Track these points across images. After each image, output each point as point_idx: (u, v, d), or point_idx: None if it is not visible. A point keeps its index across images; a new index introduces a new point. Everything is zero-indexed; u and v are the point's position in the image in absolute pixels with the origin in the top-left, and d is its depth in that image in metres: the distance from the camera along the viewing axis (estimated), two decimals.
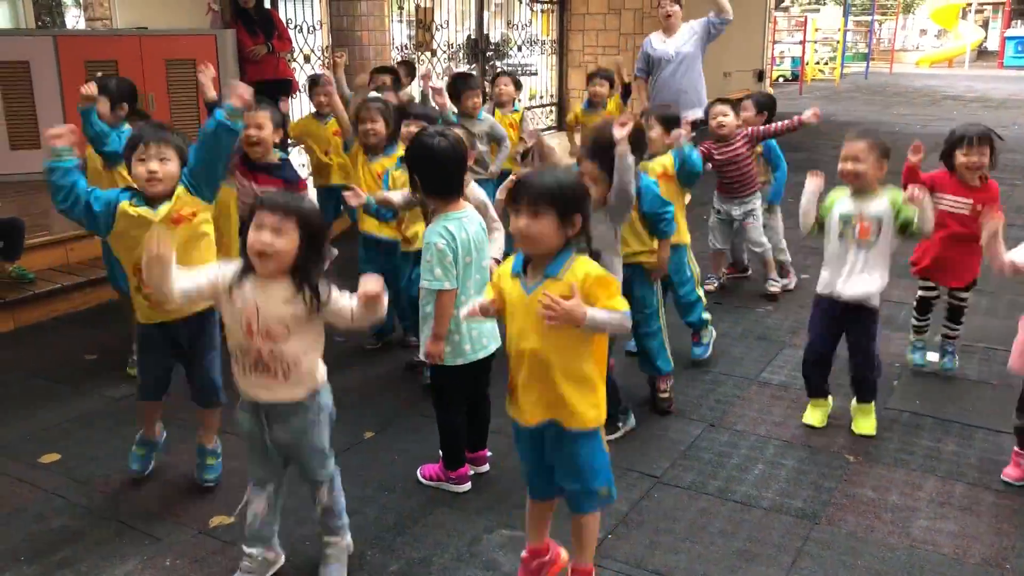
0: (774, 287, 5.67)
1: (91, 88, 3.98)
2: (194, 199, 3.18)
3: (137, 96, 4.50)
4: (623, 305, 2.40)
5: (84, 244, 5.78)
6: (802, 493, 3.40)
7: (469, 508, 3.30)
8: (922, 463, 3.62)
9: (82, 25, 10.52)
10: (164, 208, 3.12)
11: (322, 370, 2.74)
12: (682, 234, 4.41)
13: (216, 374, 3.43)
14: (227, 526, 3.18)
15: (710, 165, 5.40)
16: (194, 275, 2.63)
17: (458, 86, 5.72)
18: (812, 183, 3.80)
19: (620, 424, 3.83)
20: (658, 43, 7.22)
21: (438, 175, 3.21)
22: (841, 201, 3.77)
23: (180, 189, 3.16)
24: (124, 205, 3.12)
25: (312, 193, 5.95)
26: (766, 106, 5.73)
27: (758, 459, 3.66)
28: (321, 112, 5.83)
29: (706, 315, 4.68)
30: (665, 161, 4.38)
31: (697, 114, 7.35)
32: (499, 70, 7.01)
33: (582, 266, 2.41)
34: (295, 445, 2.74)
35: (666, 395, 4.08)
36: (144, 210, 3.12)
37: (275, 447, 2.74)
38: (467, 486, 3.41)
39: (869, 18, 28.68)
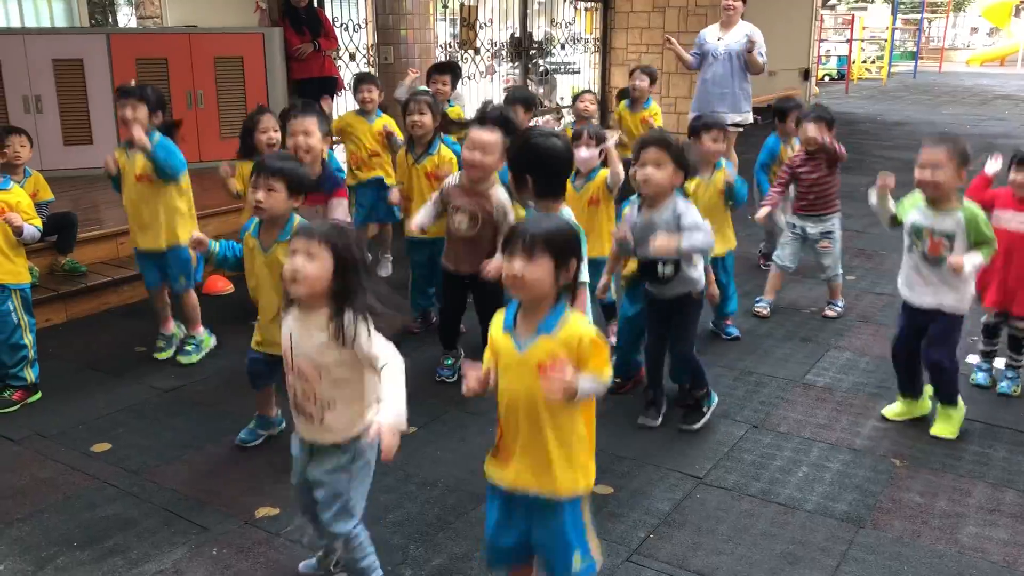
0: (833, 311, 5.38)
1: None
2: None
3: (166, 105, 4.58)
4: (608, 373, 2.30)
5: None
6: (847, 497, 3.37)
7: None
8: (971, 469, 3.56)
9: (133, 23, 10.72)
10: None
11: (364, 421, 2.57)
12: (728, 241, 4.75)
13: None
14: (272, 517, 3.23)
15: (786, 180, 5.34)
16: None
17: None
18: (877, 186, 3.83)
19: (705, 408, 3.91)
20: (711, 37, 7.24)
21: (552, 176, 3.21)
22: (915, 209, 3.73)
23: None
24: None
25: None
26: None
27: (802, 461, 3.63)
28: (365, 109, 5.85)
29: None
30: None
31: (747, 119, 7.33)
32: (583, 90, 6.98)
33: (576, 325, 2.30)
34: (319, 486, 2.62)
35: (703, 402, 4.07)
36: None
37: (307, 484, 2.67)
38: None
39: (918, 16, 28.21)
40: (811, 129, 5.14)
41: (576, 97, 6.41)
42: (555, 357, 2.24)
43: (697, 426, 3.87)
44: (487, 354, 2.44)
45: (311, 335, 2.51)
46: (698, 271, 3.69)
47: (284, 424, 3.77)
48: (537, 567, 2.54)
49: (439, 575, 2.91)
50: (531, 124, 5.70)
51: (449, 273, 4.26)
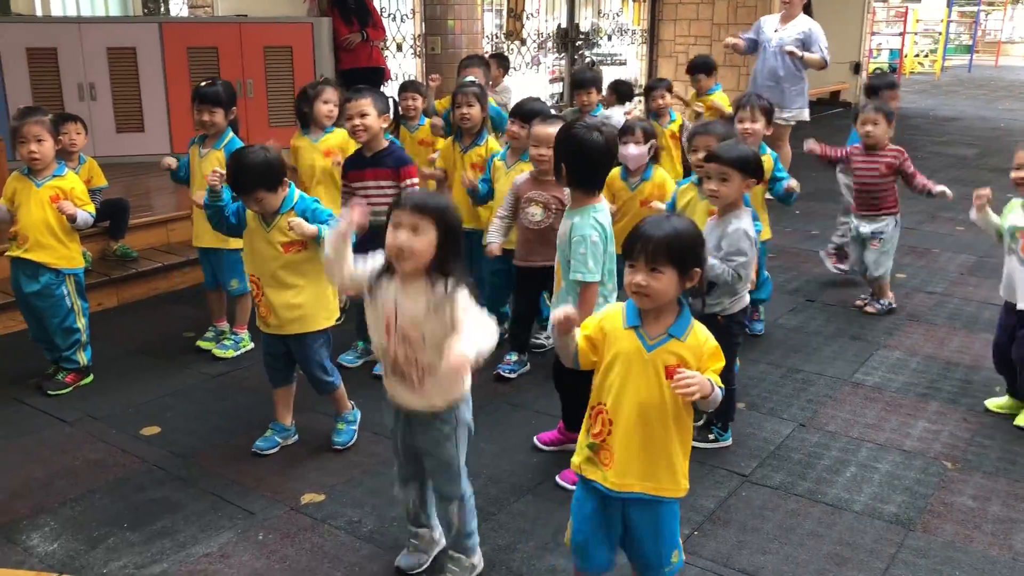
0: (872, 307, 5.26)
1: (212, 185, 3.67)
2: None
3: (236, 99, 4.63)
4: (720, 381, 2.31)
5: (184, 225, 5.96)
6: (896, 498, 3.31)
7: (553, 498, 3.30)
8: None
9: (185, 13, 10.85)
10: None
11: (465, 382, 2.60)
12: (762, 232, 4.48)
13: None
14: (318, 504, 3.26)
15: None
16: (361, 262, 2.64)
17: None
18: (974, 204, 3.85)
19: (712, 435, 3.69)
20: (768, 27, 7.16)
21: (587, 168, 3.20)
22: (1015, 212, 3.72)
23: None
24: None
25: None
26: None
27: (850, 461, 3.57)
28: (408, 115, 5.63)
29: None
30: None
31: (802, 115, 7.19)
32: (657, 80, 6.83)
33: (701, 331, 2.32)
34: (428, 456, 2.71)
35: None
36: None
37: (412, 452, 2.74)
38: None
39: (975, 8, 27.55)
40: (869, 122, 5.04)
41: (649, 92, 6.12)
42: (682, 362, 2.26)
43: (703, 446, 3.61)
44: (586, 341, 2.39)
45: (415, 301, 2.52)
46: (739, 300, 3.52)
47: (297, 436, 3.75)
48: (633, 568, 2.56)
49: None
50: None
51: (522, 269, 4.23)
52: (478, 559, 2.86)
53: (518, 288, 4.37)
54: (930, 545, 3.02)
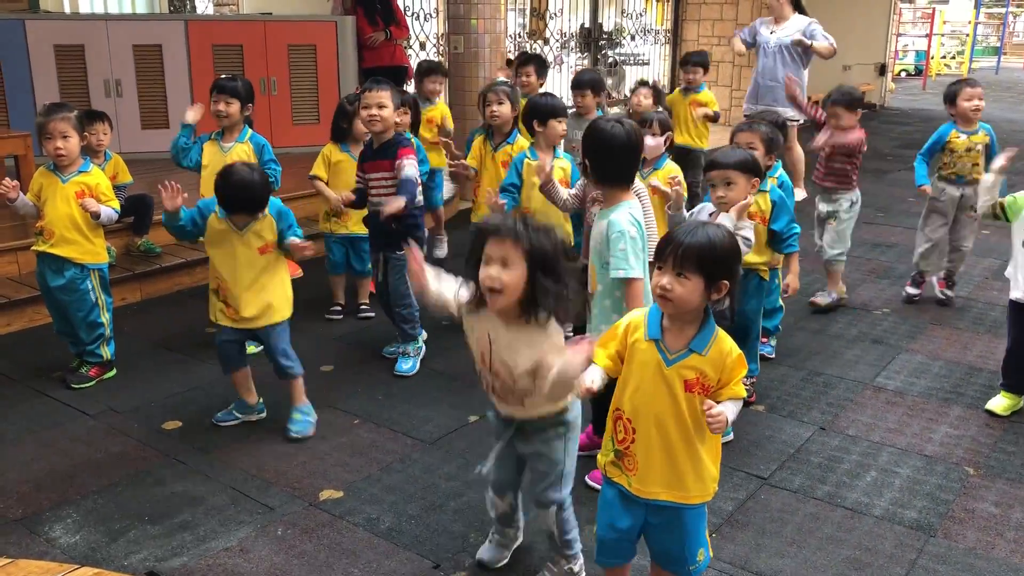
0: (821, 299, 5.29)
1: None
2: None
3: (254, 96, 4.68)
4: (743, 389, 2.31)
5: None
6: (917, 504, 3.28)
7: (574, 498, 3.29)
8: None
9: (210, 10, 10.93)
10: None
11: (570, 398, 2.58)
12: (774, 257, 4.32)
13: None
14: (336, 500, 3.27)
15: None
16: (446, 282, 2.59)
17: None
18: (993, 170, 3.84)
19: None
20: (764, 29, 7.22)
21: (611, 163, 3.18)
22: None
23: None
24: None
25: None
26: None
27: (870, 466, 3.55)
28: (429, 98, 5.87)
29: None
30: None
31: (795, 113, 7.20)
32: (640, 81, 6.87)
33: (725, 342, 2.28)
34: (538, 457, 2.66)
35: (748, 390, 3.98)
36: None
37: (516, 460, 2.72)
38: None
39: (1003, 10, 27.25)
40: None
41: (633, 91, 6.27)
42: (702, 375, 2.25)
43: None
44: (607, 352, 2.37)
45: (509, 339, 2.46)
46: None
47: (264, 413, 3.89)
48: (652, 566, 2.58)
49: (500, 565, 2.91)
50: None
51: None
52: (579, 567, 2.81)
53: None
54: (951, 552, 2.99)
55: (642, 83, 6.53)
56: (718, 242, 2.23)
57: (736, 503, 3.27)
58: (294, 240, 3.65)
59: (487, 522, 3.12)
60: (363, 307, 5.19)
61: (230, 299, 3.67)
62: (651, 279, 2.30)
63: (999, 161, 3.95)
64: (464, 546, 3.00)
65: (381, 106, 4.13)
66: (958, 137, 5.17)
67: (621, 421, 2.38)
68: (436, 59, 8.98)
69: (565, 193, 3.87)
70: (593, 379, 2.32)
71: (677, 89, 6.96)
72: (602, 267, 3.20)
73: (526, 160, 4.45)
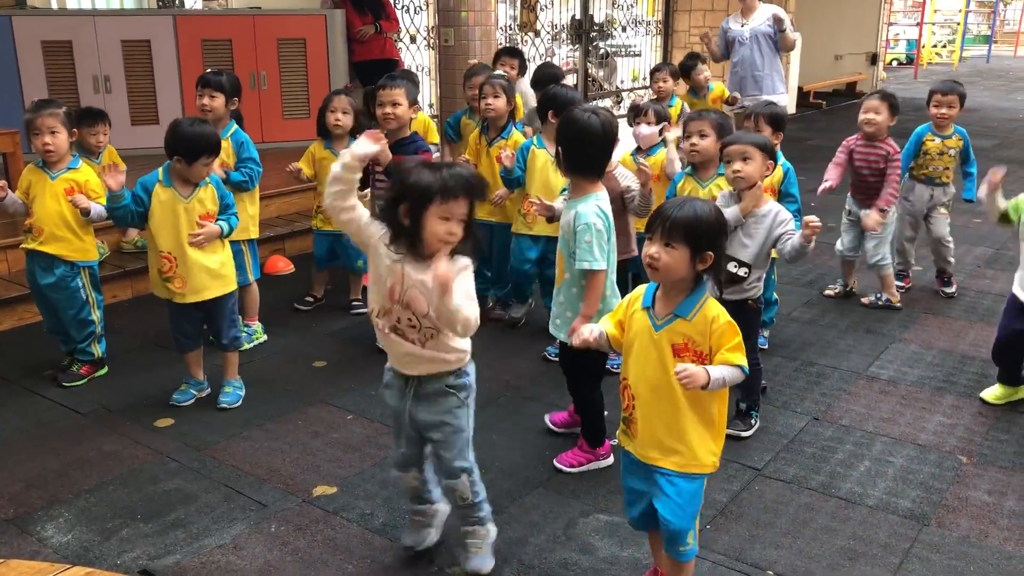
0: (867, 299, 5.26)
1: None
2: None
3: (241, 91, 4.65)
4: (743, 358, 2.33)
5: None
6: (911, 493, 3.28)
7: (565, 491, 3.30)
8: None
9: (199, 5, 10.86)
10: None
11: (466, 344, 2.68)
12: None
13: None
14: (330, 496, 3.26)
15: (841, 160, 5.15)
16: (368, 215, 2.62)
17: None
18: (987, 181, 3.82)
19: (754, 422, 3.74)
20: (734, 24, 7.30)
21: (584, 153, 3.17)
22: None
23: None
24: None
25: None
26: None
27: (864, 455, 3.55)
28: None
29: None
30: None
31: (779, 99, 7.24)
32: (661, 63, 6.84)
33: (712, 308, 2.36)
34: (439, 427, 2.69)
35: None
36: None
37: (417, 432, 2.74)
38: (612, 458, 3.45)
39: None
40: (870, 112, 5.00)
41: (653, 73, 6.31)
42: (689, 340, 2.32)
43: (747, 434, 3.68)
44: (613, 320, 2.52)
45: (425, 273, 2.51)
46: (755, 286, 3.54)
47: (209, 389, 4.09)
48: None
49: (494, 558, 2.90)
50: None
51: None
52: (492, 525, 2.88)
53: None
54: (944, 540, 3.00)
55: (662, 65, 6.56)
56: (703, 215, 2.35)
57: (730, 494, 3.27)
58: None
59: None
60: (355, 303, 5.18)
61: (176, 274, 3.81)
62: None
63: (984, 188, 3.91)
64: (457, 540, 2.99)
65: (396, 104, 4.19)
66: (932, 140, 5.33)
67: (627, 391, 2.49)
68: (426, 52, 8.96)
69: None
70: (592, 331, 2.51)
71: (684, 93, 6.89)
72: (568, 256, 3.23)
73: (532, 147, 4.47)
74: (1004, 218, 3.89)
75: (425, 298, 2.52)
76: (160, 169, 3.81)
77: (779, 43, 7.06)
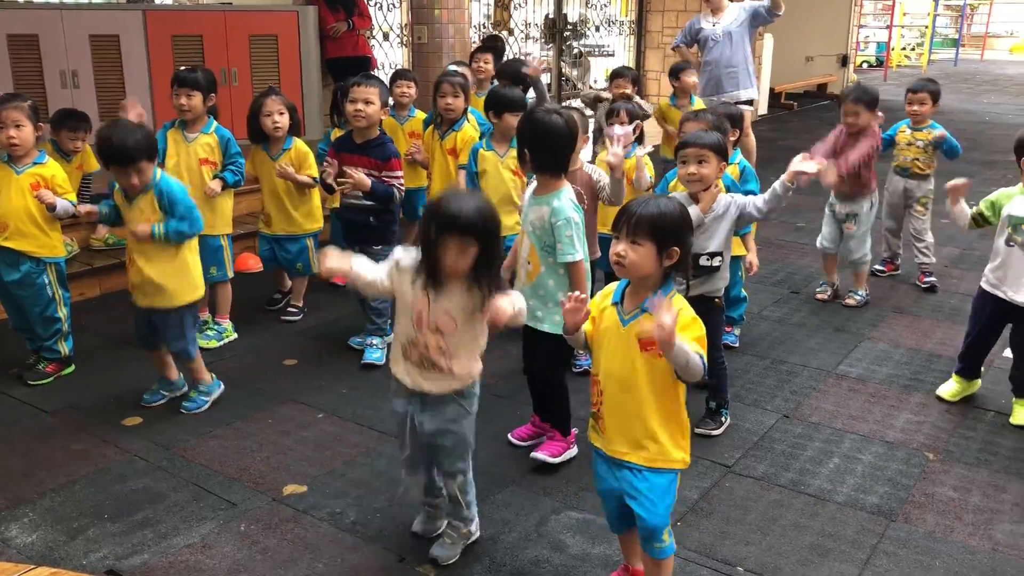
0: (852, 299, 5.28)
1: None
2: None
3: (216, 86, 4.61)
4: (702, 351, 2.34)
5: None
6: (878, 489, 3.32)
7: (537, 488, 3.30)
8: (1007, 464, 3.50)
9: (169, 0, 10.76)
10: None
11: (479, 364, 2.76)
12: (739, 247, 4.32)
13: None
14: (300, 495, 3.24)
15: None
16: (376, 270, 2.71)
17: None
18: (949, 191, 3.89)
19: (724, 419, 3.77)
20: (705, 23, 7.35)
21: (550, 152, 3.21)
22: (1015, 201, 3.75)
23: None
24: None
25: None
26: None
27: (833, 453, 3.58)
28: (400, 103, 5.47)
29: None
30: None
31: (751, 94, 7.32)
32: (621, 67, 6.78)
33: (678, 303, 2.38)
34: (444, 434, 2.74)
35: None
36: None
37: (423, 438, 2.77)
38: (576, 448, 3.51)
39: (961, 2, 27.63)
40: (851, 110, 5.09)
41: (612, 79, 6.26)
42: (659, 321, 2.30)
43: (718, 432, 3.71)
44: (591, 323, 2.54)
45: (449, 298, 2.62)
46: (723, 277, 3.59)
47: (185, 387, 4.01)
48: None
49: (465, 557, 2.90)
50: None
51: None
52: (475, 527, 2.95)
53: None
54: (911, 536, 3.04)
55: (624, 70, 6.32)
56: (668, 212, 2.40)
57: (700, 491, 3.28)
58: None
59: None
60: (290, 309, 5.09)
61: (133, 276, 3.79)
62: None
63: (950, 201, 3.95)
64: (428, 539, 2.99)
65: (368, 102, 4.15)
66: (904, 132, 5.54)
67: (596, 385, 2.53)
68: (400, 49, 8.93)
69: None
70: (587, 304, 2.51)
71: (664, 101, 6.86)
72: (542, 249, 3.26)
73: (480, 151, 4.45)
74: (977, 221, 3.91)
75: (451, 321, 2.60)
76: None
77: (772, 3, 7.00)
